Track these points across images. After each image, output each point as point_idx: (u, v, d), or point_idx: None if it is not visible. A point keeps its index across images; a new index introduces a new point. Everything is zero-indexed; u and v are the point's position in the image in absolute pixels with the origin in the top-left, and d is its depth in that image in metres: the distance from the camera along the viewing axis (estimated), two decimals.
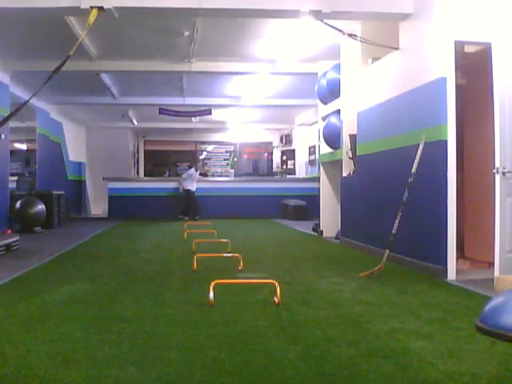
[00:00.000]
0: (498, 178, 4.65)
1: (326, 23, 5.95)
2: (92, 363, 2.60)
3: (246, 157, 20.97)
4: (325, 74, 8.72)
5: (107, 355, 2.73)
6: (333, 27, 6.03)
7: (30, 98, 5.31)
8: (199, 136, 19.95)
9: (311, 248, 7.69)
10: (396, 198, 5.46)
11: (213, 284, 3.90)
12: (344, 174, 7.89)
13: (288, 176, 17.40)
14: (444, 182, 4.97)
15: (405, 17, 5.73)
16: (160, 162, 20.65)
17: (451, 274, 4.92)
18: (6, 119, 5.81)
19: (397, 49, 5.94)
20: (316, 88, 9.21)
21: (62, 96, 12.25)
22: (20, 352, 2.77)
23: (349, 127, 7.63)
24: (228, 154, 20.67)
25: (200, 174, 14.36)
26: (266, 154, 20.79)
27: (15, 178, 11.24)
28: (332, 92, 8.37)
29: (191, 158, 20.39)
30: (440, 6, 5.12)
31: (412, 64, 5.64)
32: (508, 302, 3.11)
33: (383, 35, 6.28)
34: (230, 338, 3.06)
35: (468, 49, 5.71)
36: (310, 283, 4.79)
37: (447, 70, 4.99)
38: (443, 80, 4.99)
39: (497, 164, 4.65)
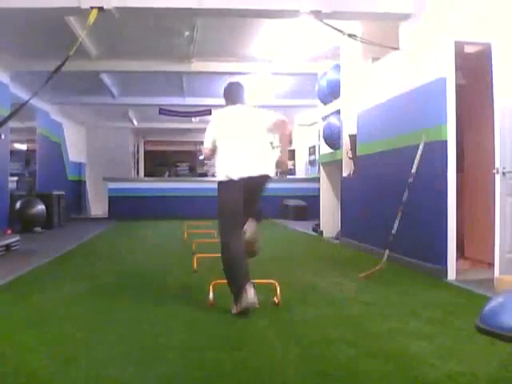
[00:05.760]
0: (498, 178, 4.65)
1: (326, 23, 5.95)
2: (92, 363, 2.60)
3: None
4: (325, 74, 8.71)
5: (107, 355, 2.73)
6: (333, 27, 6.03)
7: (30, 99, 5.31)
8: (199, 136, 19.92)
9: (311, 248, 7.69)
10: (396, 198, 5.46)
11: (213, 284, 3.91)
12: (344, 174, 7.89)
13: (288, 176, 17.36)
14: (444, 182, 4.97)
15: (405, 17, 5.73)
16: (160, 162, 20.64)
17: (451, 274, 4.92)
18: (6, 119, 5.82)
19: (397, 49, 5.94)
20: (316, 88, 9.21)
21: (62, 96, 12.23)
22: (20, 352, 2.77)
23: (349, 127, 7.63)
24: None
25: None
26: None
27: (15, 178, 11.26)
28: (332, 92, 8.36)
29: (191, 158, 20.41)
30: (440, 6, 5.12)
31: (412, 64, 5.64)
32: (508, 302, 3.12)
33: (383, 35, 6.27)
34: (229, 338, 3.06)
35: (468, 49, 5.70)
36: (310, 283, 4.79)
37: (447, 70, 4.98)
38: (443, 80, 4.98)
39: (497, 164, 4.66)
